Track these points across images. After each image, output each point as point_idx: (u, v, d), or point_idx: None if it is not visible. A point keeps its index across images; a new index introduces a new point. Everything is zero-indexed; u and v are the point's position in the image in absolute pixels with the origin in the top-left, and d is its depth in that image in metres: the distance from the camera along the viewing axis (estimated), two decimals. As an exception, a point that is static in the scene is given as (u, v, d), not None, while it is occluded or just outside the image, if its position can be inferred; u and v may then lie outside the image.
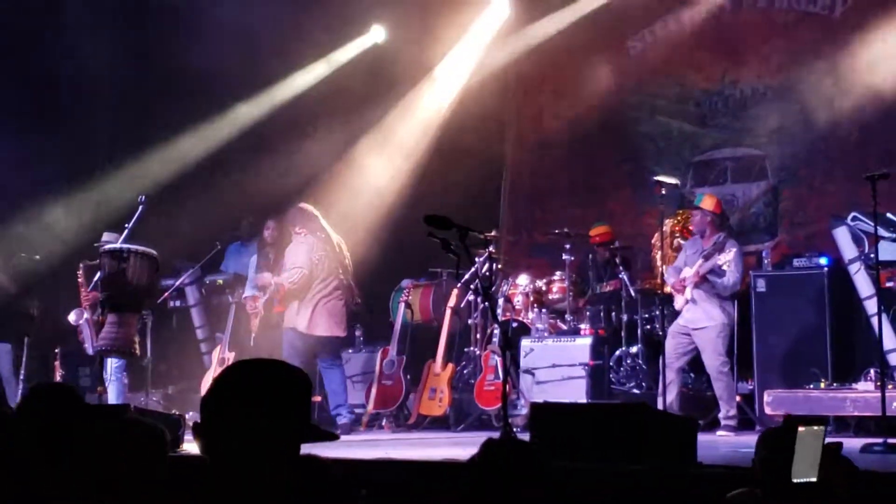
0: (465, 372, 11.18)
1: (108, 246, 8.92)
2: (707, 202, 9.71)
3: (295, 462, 2.39)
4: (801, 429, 3.57)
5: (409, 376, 10.94)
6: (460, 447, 7.55)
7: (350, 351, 11.72)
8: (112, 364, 9.35)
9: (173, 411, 8.76)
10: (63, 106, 12.51)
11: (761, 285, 9.76)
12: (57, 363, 10.96)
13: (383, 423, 10.88)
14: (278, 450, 2.34)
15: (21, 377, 11.23)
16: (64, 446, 3.49)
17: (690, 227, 10.04)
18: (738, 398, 9.44)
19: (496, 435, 7.35)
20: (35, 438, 3.49)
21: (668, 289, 9.73)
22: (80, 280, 10.02)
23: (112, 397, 10.17)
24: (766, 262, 10.25)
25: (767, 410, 9.07)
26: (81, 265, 9.93)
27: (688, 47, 12.23)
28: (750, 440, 8.57)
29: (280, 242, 11.13)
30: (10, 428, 3.57)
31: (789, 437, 4.04)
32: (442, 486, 5.96)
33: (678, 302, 9.53)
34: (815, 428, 3.60)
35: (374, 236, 12.24)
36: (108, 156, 12.87)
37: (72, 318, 9.93)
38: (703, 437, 6.40)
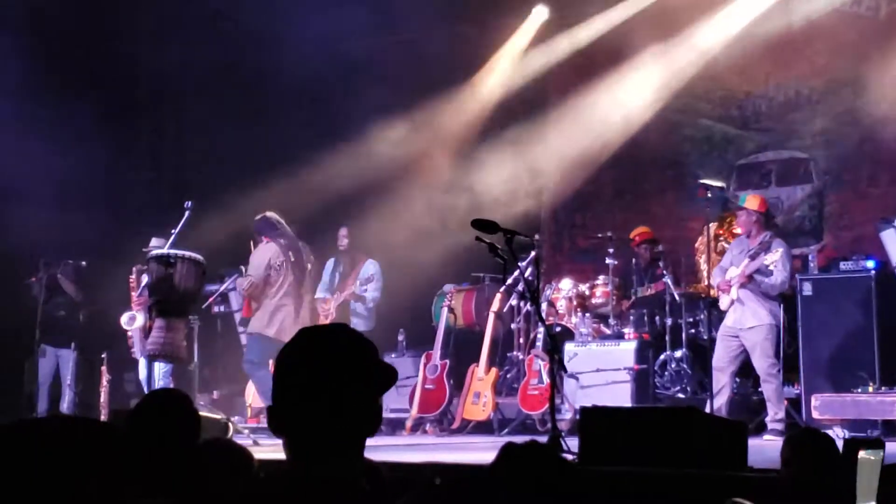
0: (508, 376, 11.18)
1: (155, 251, 8.98)
2: (751, 201, 9.66)
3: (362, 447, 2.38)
4: (861, 453, 3.54)
5: (452, 381, 10.95)
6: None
7: (393, 355, 11.75)
8: (160, 369, 9.41)
9: (220, 416, 8.79)
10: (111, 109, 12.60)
11: (807, 289, 9.68)
12: (104, 368, 11.04)
13: (427, 428, 10.90)
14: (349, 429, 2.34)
15: (68, 383, 11.35)
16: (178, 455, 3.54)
17: (735, 228, 9.99)
18: (785, 402, 9.37)
19: (541, 439, 7.35)
20: (151, 444, 3.54)
21: (713, 292, 9.68)
22: (131, 285, 10.11)
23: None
24: (811, 265, 10.18)
25: (815, 415, 9.00)
26: (134, 270, 10.02)
27: (731, 50, 12.15)
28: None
29: (353, 249, 11.34)
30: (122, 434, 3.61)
31: (815, 443, 4.04)
32: (487, 489, 5.96)
33: (724, 302, 9.48)
34: (874, 452, 3.57)
35: (416, 241, 12.27)
36: (152, 161, 12.96)
37: (124, 321, 10.00)
38: (750, 442, 6.35)
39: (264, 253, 10.10)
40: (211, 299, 11.40)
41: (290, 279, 10.05)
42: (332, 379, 2.30)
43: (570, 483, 3.08)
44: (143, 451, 3.51)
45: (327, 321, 11.00)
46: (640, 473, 5.59)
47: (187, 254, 9.01)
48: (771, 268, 9.21)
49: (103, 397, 10.90)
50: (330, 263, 11.70)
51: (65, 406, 11.20)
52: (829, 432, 5.92)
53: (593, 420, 6.21)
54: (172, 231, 9.39)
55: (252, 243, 10.85)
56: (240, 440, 8.59)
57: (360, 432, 2.36)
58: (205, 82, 13.31)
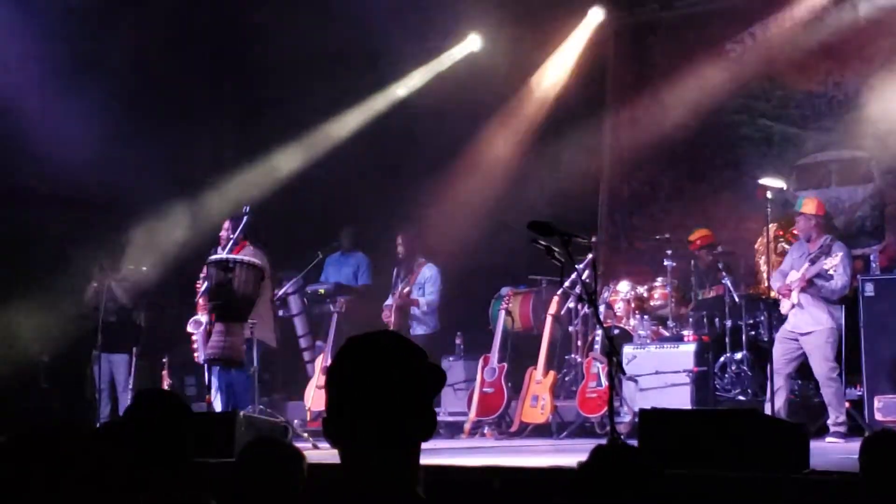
0: (566, 379, 11.14)
1: (214, 256, 9.07)
2: (808, 205, 9.56)
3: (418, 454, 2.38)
4: None
5: (510, 384, 10.94)
6: (563, 454, 7.55)
7: (451, 359, 11.76)
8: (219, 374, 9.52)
9: (280, 419, 8.85)
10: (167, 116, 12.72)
11: (869, 289, 9.56)
12: (164, 372, 11.16)
13: (485, 431, 10.89)
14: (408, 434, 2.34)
15: (130, 387, 11.47)
16: (174, 453, 3.55)
17: (796, 233, 9.90)
18: (846, 404, 9.27)
19: (602, 442, 7.32)
20: (144, 444, 3.55)
21: (773, 294, 9.59)
22: (199, 289, 10.20)
23: (219, 406, 10.36)
24: (873, 265, 10.05)
25: (878, 416, 8.90)
26: (202, 275, 10.11)
27: (789, 49, 12.04)
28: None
29: (410, 256, 11.39)
30: (117, 434, 3.63)
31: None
32: (547, 493, 5.95)
33: (784, 306, 9.40)
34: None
35: (473, 245, 12.29)
36: (212, 166, 13.07)
37: (191, 326, 10.11)
38: (812, 444, 6.29)
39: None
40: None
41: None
42: (381, 385, 2.31)
43: (658, 486, 3.07)
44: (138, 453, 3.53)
45: (390, 327, 11.10)
46: (701, 476, 5.55)
47: (246, 258, 9.09)
48: (831, 272, 9.11)
49: (164, 401, 10.99)
50: (395, 271, 11.77)
51: (122, 411, 11.31)
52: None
53: (652, 423, 6.17)
54: (231, 236, 9.48)
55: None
56: (299, 444, 8.66)
57: (413, 438, 2.36)
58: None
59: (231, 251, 9.41)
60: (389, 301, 11.59)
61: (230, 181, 12.86)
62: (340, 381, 2.35)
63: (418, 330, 11.52)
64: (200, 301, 10.03)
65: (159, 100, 12.24)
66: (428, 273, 11.57)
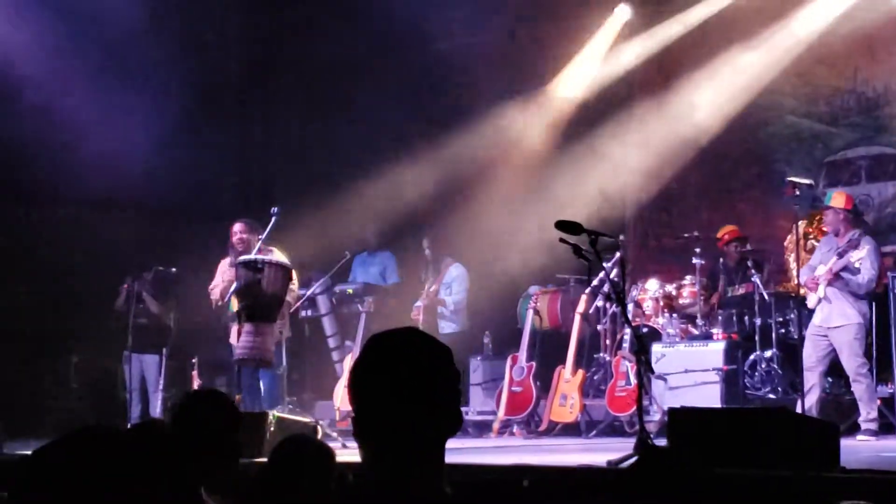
0: (595, 378, 11.12)
1: (242, 257, 9.10)
2: (837, 199, 9.52)
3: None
4: None
5: (538, 383, 10.93)
6: (592, 453, 7.52)
7: (479, 358, 11.77)
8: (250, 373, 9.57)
9: (309, 419, 8.88)
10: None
11: (900, 286, 9.52)
12: (194, 372, 11.21)
13: (514, 430, 10.90)
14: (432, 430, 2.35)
15: (160, 387, 11.54)
16: (229, 451, 3.58)
17: (824, 227, 9.85)
18: (878, 401, 9.21)
19: (630, 441, 7.33)
20: (201, 443, 3.58)
21: (802, 290, 9.54)
22: (211, 291, 10.29)
23: (248, 405, 10.41)
24: (904, 262, 10.00)
25: (909, 414, 8.85)
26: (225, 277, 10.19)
27: (818, 45, 11.97)
28: (892, 444, 8.40)
29: (437, 257, 11.43)
30: (166, 433, 3.67)
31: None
32: (576, 492, 5.94)
33: (811, 300, 9.35)
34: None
35: (500, 244, 12.28)
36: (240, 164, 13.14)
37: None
38: (843, 442, 6.26)
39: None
40: (298, 303, 11.50)
41: None
42: (405, 383, 2.31)
43: (698, 486, 3.07)
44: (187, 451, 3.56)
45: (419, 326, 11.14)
46: (730, 475, 5.53)
47: (275, 259, 9.12)
48: (857, 265, 9.06)
49: (194, 402, 11.06)
50: (424, 273, 11.80)
51: (157, 411, 11.38)
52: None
53: (681, 421, 6.16)
54: (259, 237, 9.51)
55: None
56: (328, 443, 8.69)
57: (439, 434, 2.36)
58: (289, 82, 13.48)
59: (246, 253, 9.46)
60: (419, 302, 11.62)
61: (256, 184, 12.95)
62: (364, 379, 2.35)
63: (446, 329, 11.56)
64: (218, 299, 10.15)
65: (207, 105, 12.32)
66: (455, 273, 11.61)
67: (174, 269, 11.61)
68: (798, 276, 9.63)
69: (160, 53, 11.99)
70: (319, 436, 8.21)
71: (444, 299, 11.53)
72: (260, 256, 9.04)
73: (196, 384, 11.15)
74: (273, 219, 9.53)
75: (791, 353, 10.05)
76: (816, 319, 9.35)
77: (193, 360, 11.27)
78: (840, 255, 9.19)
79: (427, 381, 2.32)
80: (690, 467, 3.02)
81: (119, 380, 11.94)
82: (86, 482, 2.06)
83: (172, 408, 3.79)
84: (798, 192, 9.61)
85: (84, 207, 12.02)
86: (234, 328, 9.54)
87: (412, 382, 2.31)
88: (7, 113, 11.15)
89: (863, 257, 9.07)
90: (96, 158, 11.21)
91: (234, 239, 10.03)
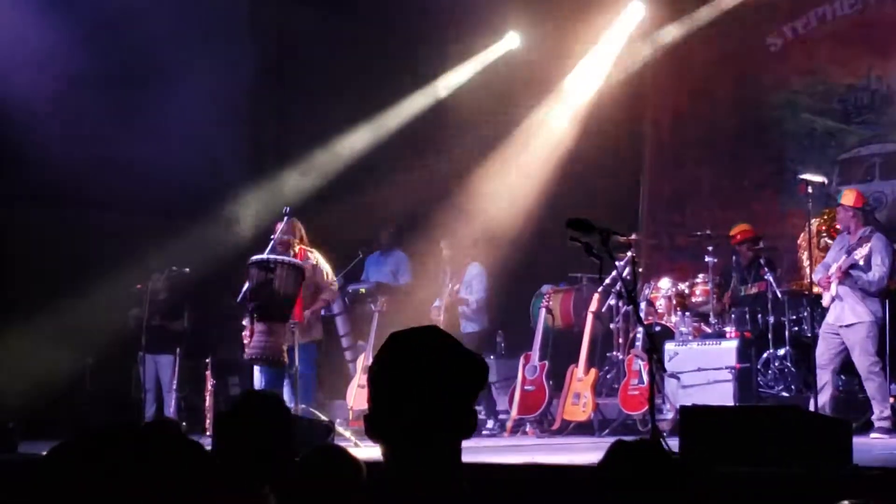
0: (608, 377, 11.12)
1: (255, 257, 9.11)
2: (847, 197, 9.50)
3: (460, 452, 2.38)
4: None
5: (551, 382, 10.92)
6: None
7: (492, 357, 11.78)
8: (260, 373, 9.58)
9: (323, 418, 8.89)
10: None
11: (913, 283, 9.48)
12: (208, 373, 11.24)
13: (527, 429, 10.90)
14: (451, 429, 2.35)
15: (174, 387, 11.57)
16: (283, 450, 3.60)
17: (837, 226, 9.83)
18: (891, 399, 9.18)
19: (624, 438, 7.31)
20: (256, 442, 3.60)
21: (816, 289, 9.52)
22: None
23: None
24: (917, 260, 9.94)
25: (922, 412, 8.82)
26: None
27: (831, 43, 11.96)
28: (906, 443, 8.37)
29: (456, 258, 11.41)
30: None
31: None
32: (589, 490, 5.94)
33: (825, 299, 9.33)
34: None
35: (513, 242, 12.28)
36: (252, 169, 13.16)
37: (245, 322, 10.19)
38: (856, 440, 6.25)
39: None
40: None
41: None
42: (421, 382, 2.30)
43: (680, 480, 3.06)
44: (235, 454, 3.57)
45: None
46: (742, 473, 5.53)
47: (287, 259, 9.14)
48: (861, 262, 9.03)
49: (208, 401, 11.10)
50: (442, 275, 11.79)
51: (171, 411, 11.41)
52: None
53: (693, 420, 6.15)
54: (272, 237, 9.52)
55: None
56: (341, 442, 8.70)
57: (455, 434, 2.35)
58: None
59: (285, 254, 9.44)
60: (437, 303, 11.61)
61: (268, 185, 12.96)
62: (382, 377, 2.35)
63: (468, 328, 11.51)
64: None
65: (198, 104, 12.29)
66: (474, 271, 11.57)
67: (187, 270, 11.64)
68: (811, 274, 9.61)
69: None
70: (332, 435, 8.23)
71: (467, 298, 11.49)
72: (272, 256, 9.05)
73: (210, 384, 11.17)
74: (286, 218, 9.56)
75: (804, 351, 10.02)
76: (829, 318, 9.32)
77: (207, 361, 11.29)
78: (849, 253, 9.18)
79: (443, 382, 2.31)
80: (671, 462, 3.01)
81: (134, 381, 11.98)
82: (101, 481, 2.07)
83: (220, 415, 3.82)
84: (811, 190, 9.57)
85: (99, 208, 12.06)
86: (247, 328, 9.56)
87: (428, 382, 2.30)
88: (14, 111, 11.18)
89: (870, 254, 9.04)
90: (107, 159, 11.25)
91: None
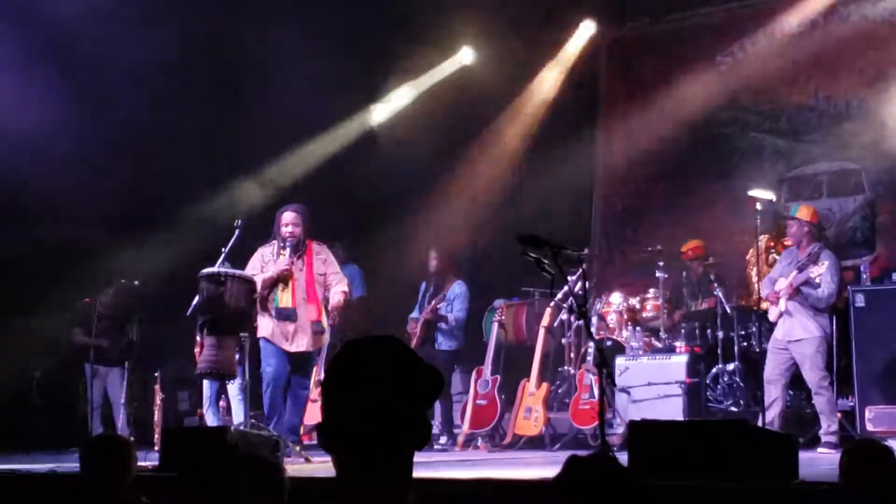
0: (559, 391, 11.16)
1: (205, 270, 9.04)
2: (803, 212, 9.59)
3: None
4: None
5: (503, 396, 10.95)
6: (556, 466, 7.52)
7: (459, 372, 11.83)
8: (211, 387, 9.52)
9: (272, 434, 8.85)
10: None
11: (860, 300, 9.58)
12: (157, 387, 11.15)
13: (479, 444, 10.91)
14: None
15: (122, 401, 11.47)
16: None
17: (786, 241, 9.92)
18: (839, 414, 9.28)
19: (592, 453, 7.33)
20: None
21: (764, 304, 9.61)
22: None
23: (211, 420, 10.36)
24: (864, 276, 10.06)
25: (869, 427, 8.92)
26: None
27: (779, 62, 12.09)
28: (852, 458, 8.44)
29: (443, 272, 11.36)
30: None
31: (874, 454, 4.04)
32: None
33: (772, 314, 9.41)
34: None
35: (466, 257, 12.30)
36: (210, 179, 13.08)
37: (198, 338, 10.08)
38: (803, 455, 6.31)
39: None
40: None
41: None
42: (375, 391, 2.29)
43: (635, 496, 3.07)
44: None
45: (413, 340, 11.13)
46: (690, 487, 5.56)
47: (237, 272, 9.07)
48: (817, 280, 9.13)
49: (156, 416, 11.01)
50: (423, 285, 11.72)
51: (119, 425, 11.32)
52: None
53: (642, 434, 6.18)
54: (223, 249, 9.44)
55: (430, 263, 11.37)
56: (291, 457, 8.67)
57: (407, 445, 2.35)
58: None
59: (223, 264, 9.33)
60: (416, 314, 11.56)
61: (222, 195, 12.89)
62: (336, 384, 2.34)
63: (444, 345, 11.41)
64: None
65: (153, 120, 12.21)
66: (458, 290, 11.47)
67: (136, 282, 11.56)
68: (759, 289, 9.71)
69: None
70: (282, 450, 8.19)
71: (447, 316, 11.41)
72: (223, 269, 8.99)
73: (158, 398, 11.09)
74: (237, 231, 9.44)
75: (753, 366, 10.12)
76: (778, 333, 9.41)
77: (156, 374, 11.21)
78: (800, 269, 9.26)
79: (397, 392, 2.31)
80: (625, 477, 3.02)
81: (81, 394, 11.87)
82: None
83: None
84: (760, 207, 9.68)
85: (44, 218, 11.94)
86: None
87: (382, 392, 2.29)
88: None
89: (823, 272, 9.13)
90: (53, 166, 11.14)
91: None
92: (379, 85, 13.63)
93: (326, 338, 9.71)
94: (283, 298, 9.28)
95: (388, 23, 12.61)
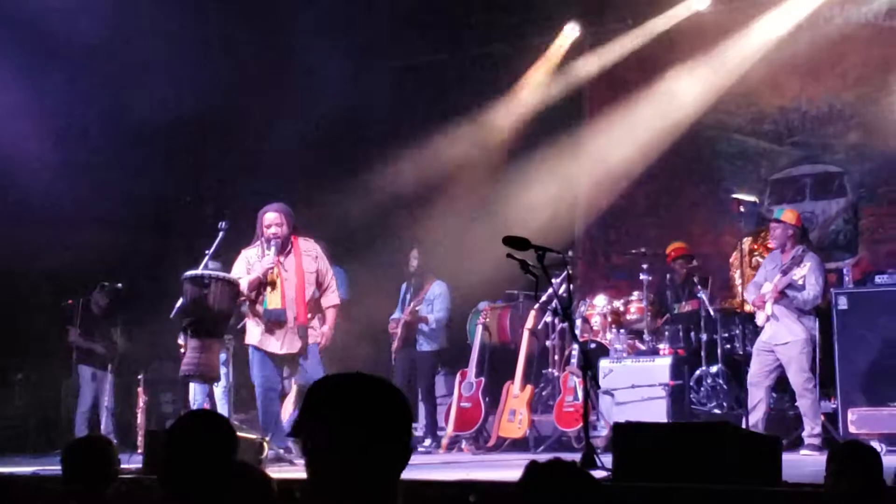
0: (543, 393, 11.16)
1: (189, 272, 9.00)
2: (788, 215, 9.63)
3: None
4: None
5: (487, 398, 10.95)
6: (541, 469, 7.52)
7: (442, 374, 11.83)
8: (195, 389, 9.48)
9: (256, 436, 8.83)
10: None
11: (843, 303, 9.59)
12: (140, 389, 11.12)
13: (463, 446, 10.90)
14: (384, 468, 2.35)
15: (105, 404, 11.44)
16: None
17: (770, 243, 9.95)
18: (822, 417, 9.31)
19: (576, 456, 7.35)
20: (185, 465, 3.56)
21: (748, 307, 9.63)
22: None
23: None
24: (846, 279, 10.10)
25: (852, 429, 8.93)
26: None
27: (763, 65, 12.12)
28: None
29: (423, 272, 11.33)
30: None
31: (860, 455, 4.05)
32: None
33: (759, 318, 9.45)
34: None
35: (449, 259, 12.29)
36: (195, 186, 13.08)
37: (180, 340, 10.03)
38: (786, 457, 6.32)
39: None
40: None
41: None
42: (355, 430, 2.29)
43: (597, 500, 3.07)
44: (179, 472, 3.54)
45: (395, 341, 11.10)
46: (674, 489, 5.57)
47: (221, 274, 9.02)
48: (801, 282, 9.16)
49: (140, 418, 10.98)
50: (404, 286, 11.71)
51: (103, 428, 11.29)
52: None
53: (626, 436, 6.19)
54: (206, 252, 9.39)
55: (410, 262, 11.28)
56: (275, 460, 8.64)
57: (392, 469, 2.36)
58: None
59: (207, 267, 9.28)
60: (397, 314, 11.56)
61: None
62: (314, 419, 2.34)
63: (426, 346, 11.43)
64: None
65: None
66: (438, 290, 11.49)
67: (120, 285, 11.53)
68: (743, 292, 9.73)
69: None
70: (265, 452, 8.16)
71: (427, 316, 11.41)
72: (207, 272, 8.96)
73: (142, 401, 11.05)
74: (221, 233, 9.39)
75: (736, 368, 10.14)
76: (764, 336, 9.44)
77: (139, 377, 11.17)
78: (784, 273, 9.30)
79: (377, 428, 2.31)
80: (587, 481, 3.02)
81: (63, 396, 11.84)
82: None
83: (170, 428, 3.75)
84: (743, 209, 9.72)
85: (29, 221, 11.90)
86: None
87: (362, 430, 2.29)
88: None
89: (806, 274, 9.17)
90: (40, 171, 11.11)
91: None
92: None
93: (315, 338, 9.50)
94: (272, 300, 9.12)
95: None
